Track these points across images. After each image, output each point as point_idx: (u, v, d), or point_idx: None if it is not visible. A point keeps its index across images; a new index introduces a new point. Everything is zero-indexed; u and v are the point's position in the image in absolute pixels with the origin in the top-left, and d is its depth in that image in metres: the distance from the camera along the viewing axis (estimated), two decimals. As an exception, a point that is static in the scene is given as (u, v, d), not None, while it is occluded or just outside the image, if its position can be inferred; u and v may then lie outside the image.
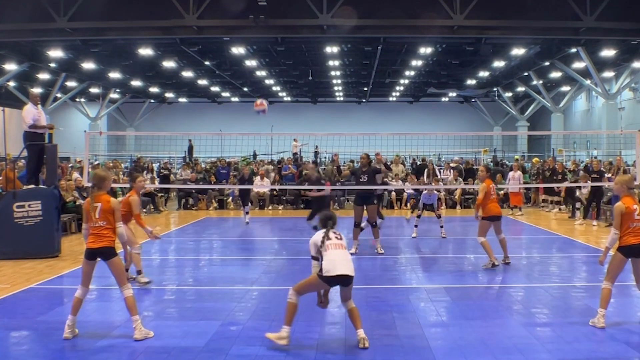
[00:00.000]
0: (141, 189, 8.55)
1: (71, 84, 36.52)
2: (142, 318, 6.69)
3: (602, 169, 18.54)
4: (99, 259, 5.86)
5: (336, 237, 5.65)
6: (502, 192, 20.17)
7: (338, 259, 5.48)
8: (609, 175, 16.95)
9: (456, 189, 19.97)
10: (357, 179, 10.94)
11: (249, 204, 16.71)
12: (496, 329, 6.14)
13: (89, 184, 14.48)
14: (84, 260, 5.88)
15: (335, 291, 5.80)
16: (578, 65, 28.64)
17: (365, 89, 43.18)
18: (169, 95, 46.30)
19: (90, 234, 5.83)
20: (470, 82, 37.92)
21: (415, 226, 12.99)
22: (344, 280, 5.49)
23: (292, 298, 5.58)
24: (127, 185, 17.52)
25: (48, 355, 5.42)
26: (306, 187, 15.30)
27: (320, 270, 5.51)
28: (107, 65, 31.34)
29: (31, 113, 10.43)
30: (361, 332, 5.58)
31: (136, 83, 38.00)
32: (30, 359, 5.38)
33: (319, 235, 5.66)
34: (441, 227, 12.99)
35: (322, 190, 13.40)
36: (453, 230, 14.01)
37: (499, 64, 30.99)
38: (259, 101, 12.04)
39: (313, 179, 14.18)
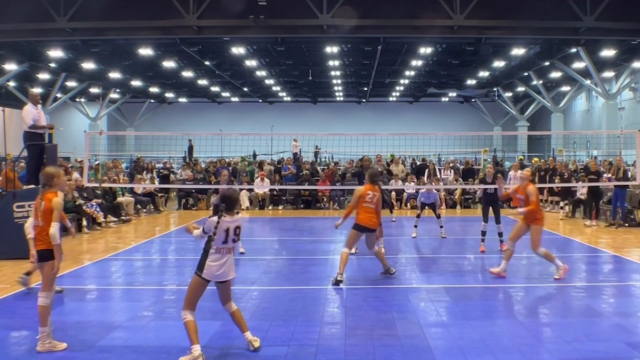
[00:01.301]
0: (63, 187, 8.19)
1: (71, 84, 36.52)
2: (142, 318, 6.70)
3: (601, 169, 18.52)
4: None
5: (232, 240, 5.35)
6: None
7: (225, 263, 5.32)
8: (609, 175, 16.93)
9: (456, 189, 19.98)
10: (359, 181, 11.04)
11: None
12: (496, 329, 6.14)
13: (95, 184, 14.59)
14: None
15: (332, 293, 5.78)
16: (578, 65, 28.63)
17: (365, 89, 43.18)
18: (169, 95, 46.30)
19: (36, 234, 5.72)
20: (470, 82, 37.91)
21: (415, 226, 12.99)
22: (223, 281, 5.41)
23: (186, 317, 5.25)
24: (127, 186, 17.68)
25: (48, 356, 5.41)
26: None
27: (201, 270, 5.26)
28: (107, 65, 31.34)
29: (31, 113, 10.42)
30: (249, 335, 5.52)
31: (136, 83, 38.00)
32: (30, 359, 5.38)
33: (212, 221, 5.24)
34: (441, 227, 12.98)
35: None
36: (453, 230, 14.01)
37: (499, 64, 30.98)
38: None
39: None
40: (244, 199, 19.80)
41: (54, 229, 5.52)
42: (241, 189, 19.46)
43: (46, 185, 5.72)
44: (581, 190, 16.85)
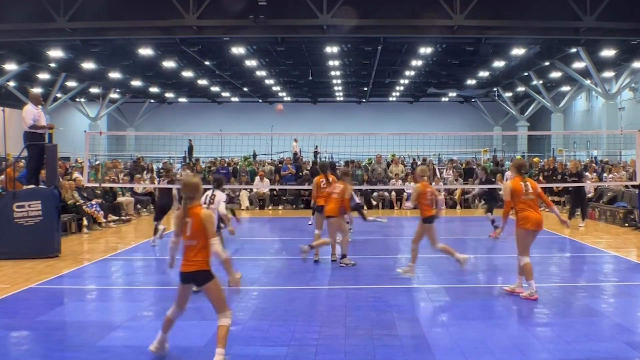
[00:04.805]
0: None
1: (71, 84, 36.51)
2: (142, 318, 6.70)
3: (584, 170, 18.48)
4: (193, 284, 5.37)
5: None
6: (501, 192, 20.17)
7: None
8: (611, 175, 16.85)
9: (456, 189, 19.97)
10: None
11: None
12: (496, 329, 6.14)
13: (95, 184, 14.56)
14: (180, 285, 5.33)
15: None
16: (578, 65, 28.63)
17: (365, 89, 43.18)
18: (169, 95, 46.30)
19: (184, 255, 5.22)
20: (470, 82, 37.91)
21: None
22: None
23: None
24: (127, 185, 17.67)
25: (48, 355, 5.41)
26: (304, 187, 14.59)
27: None
28: (107, 65, 31.33)
29: (31, 113, 10.42)
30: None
31: (136, 83, 38.00)
32: (30, 358, 5.37)
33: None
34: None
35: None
36: (453, 231, 14.00)
37: (499, 64, 30.98)
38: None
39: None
40: (244, 199, 19.80)
41: (218, 244, 5.02)
42: (241, 189, 19.48)
43: (189, 199, 5.12)
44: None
